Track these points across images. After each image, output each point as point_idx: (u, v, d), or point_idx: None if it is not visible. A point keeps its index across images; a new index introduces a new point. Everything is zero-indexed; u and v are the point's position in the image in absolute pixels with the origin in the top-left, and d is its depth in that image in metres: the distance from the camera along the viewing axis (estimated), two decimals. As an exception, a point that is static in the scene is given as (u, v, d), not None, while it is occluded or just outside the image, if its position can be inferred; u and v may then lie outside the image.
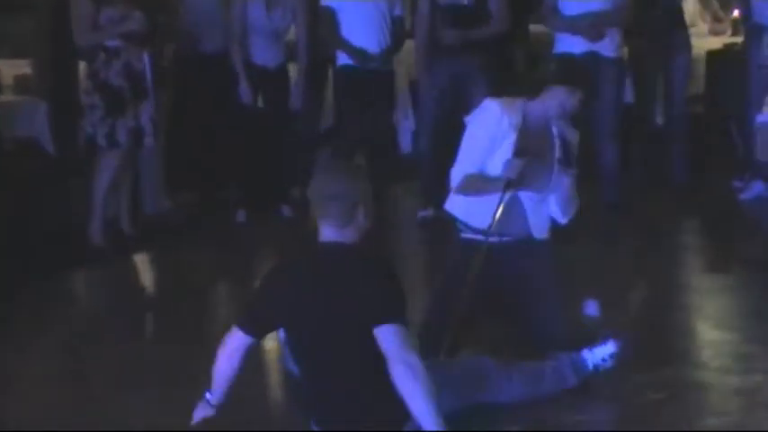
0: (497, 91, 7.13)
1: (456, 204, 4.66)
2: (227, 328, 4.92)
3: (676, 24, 7.57)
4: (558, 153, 4.56)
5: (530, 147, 4.49)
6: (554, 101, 4.57)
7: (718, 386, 4.42)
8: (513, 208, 4.51)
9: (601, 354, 4.32)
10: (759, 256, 6.25)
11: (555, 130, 4.59)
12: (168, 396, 4.37)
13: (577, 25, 6.87)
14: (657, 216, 7.18)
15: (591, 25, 6.85)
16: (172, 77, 7.24)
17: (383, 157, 7.46)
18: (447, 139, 6.31)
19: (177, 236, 7.01)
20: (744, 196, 7.40)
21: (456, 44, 7.02)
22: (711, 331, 5.12)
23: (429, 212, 7.15)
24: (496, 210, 4.46)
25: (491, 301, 4.59)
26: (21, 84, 7.53)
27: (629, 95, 7.70)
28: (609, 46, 6.96)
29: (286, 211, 7.39)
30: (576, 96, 4.55)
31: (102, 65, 6.44)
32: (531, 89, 5.05)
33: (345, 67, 7.08)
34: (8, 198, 6.84)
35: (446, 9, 7.05)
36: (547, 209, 4.58)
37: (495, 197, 4.46)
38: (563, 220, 4.61)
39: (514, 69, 7.98)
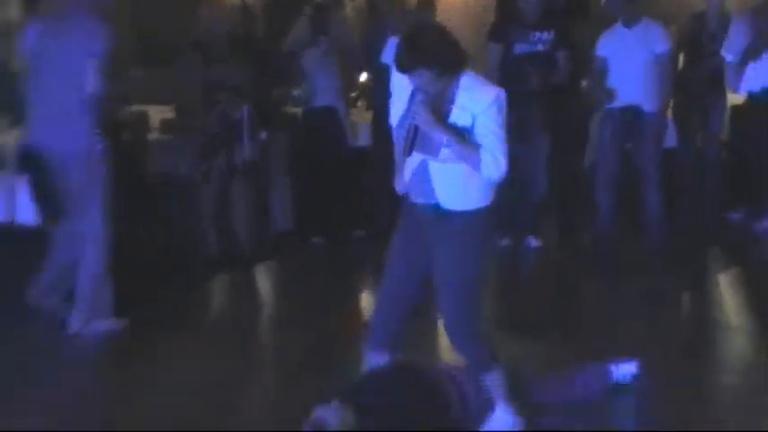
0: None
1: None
2: (280, 353, 5.54)
3: (715, 85, 7.96)
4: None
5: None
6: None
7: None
8: (421, 172, 4.23)
9: (625, 370, 4.64)
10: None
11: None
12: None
13: None
14: (695, 257, 7.51)
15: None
16: (296, 125, 8.34)
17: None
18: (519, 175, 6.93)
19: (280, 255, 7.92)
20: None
21: (538, 89, 7.31)
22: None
23: (506, 241, 7.69)
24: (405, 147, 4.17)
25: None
26: (165, 125, 8.63)
27: (671, 139, 8.02)
28: (649, 101, 7.18)
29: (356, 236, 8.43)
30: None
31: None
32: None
33: None
34: (150, 223, 7.90)
35: (525, 57, 7.41)
36: (461, 179, 4.17)
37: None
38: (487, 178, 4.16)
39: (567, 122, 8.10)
